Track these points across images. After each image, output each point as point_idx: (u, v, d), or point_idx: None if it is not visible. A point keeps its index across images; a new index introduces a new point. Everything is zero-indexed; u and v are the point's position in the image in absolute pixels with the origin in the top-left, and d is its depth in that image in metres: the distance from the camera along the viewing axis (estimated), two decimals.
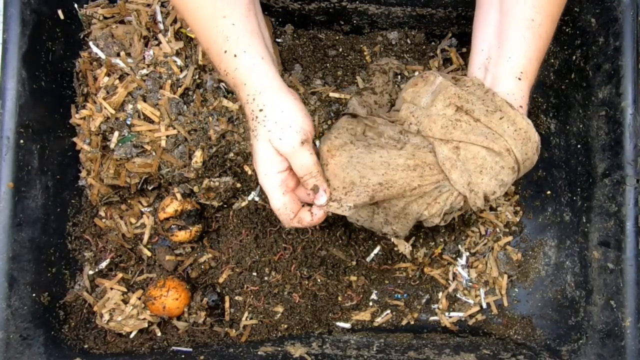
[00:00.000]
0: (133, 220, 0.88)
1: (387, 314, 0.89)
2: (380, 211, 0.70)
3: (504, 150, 0.65)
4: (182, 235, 0.85)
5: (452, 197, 0.67)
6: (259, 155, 0.65)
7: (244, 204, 0.88)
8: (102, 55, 0.85)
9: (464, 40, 0.94)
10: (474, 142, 0.65)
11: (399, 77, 0.90)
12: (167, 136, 0.83)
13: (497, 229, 0.91)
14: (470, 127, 0.65)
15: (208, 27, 0.64)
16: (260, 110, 0.63)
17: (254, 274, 0.87)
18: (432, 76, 0.70)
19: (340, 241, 0.88)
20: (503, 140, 0.65)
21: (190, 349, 0.84)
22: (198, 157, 0.83)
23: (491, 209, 0.92)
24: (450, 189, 0.67)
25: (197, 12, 0.64)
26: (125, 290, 0.85)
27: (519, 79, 0.67)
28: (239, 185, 0.87)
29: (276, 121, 0.63)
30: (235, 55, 0.63)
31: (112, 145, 0.83)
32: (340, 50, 0.93)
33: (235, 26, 0.63)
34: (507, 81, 0.68)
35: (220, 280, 0.87)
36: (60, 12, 0.83)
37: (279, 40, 0.92)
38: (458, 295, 0.90)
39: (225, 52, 0.64)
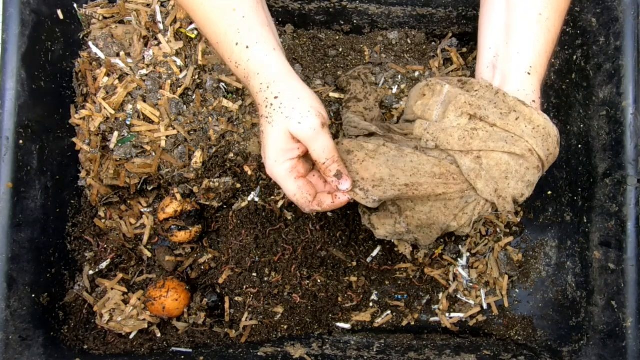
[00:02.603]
0: (133, 221, 0.88)
1: (388, 314, 0.89)
2: (402, 220, 0.69)
3: (526, 151, 0.64)
4: (181, 236, 0.85)
5: (480, 206, 0.67)
6: (270, 141, 0.64)
7: (243, 204, 0.88)
8: (101, 55, 0.85)
9: (465, 40, 0.93)
10: (495, 149, 0.63)
11: (374, 76, 0.90)
12: (167, 136, 0.83)
13: (498, 230, 0.91)
14: (487, 134, 0.64)
15: (218, 21, 0.64)
16: (276, 97, 0.63)
17: (254, 274, 0.87)
18: (439, 85, 0.68)
19: (340, 242, 0.88)
20: (523, 141, 0.64)
21: (190, 350, 0.84)
22: (198, 157, 0.83)
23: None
24: (476, 199, 0.66)
25: (205, 7, 0.64)
26: (126, 290, 0.85)
27: (529, 73, 0.66)
28: (238, 185, 0.87)
29: (293, 107, 0.62)
30: (247, 47, 0.63)
31: (111, 146, 0.83)
32: (341, 50, 0.93)
33: (246, 18, 0.63)
34: (517, 77, 0.67)
35: (220, 280, 0.87)
36: (59, 12, 0.83)
37: None
38: (458, 296, 0.90)
39: (237, 44, 0.64)
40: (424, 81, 0.73)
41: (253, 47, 0.63)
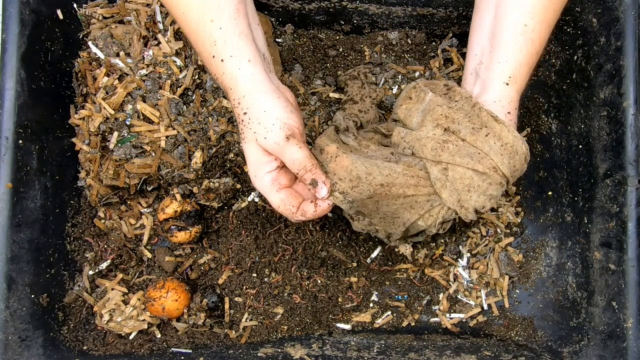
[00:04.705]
0: (132, 221, 0.88)
1: (388, 315, 0.89)
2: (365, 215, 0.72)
3: (489, 169, 0.67)
4: (181, 236, 0.84)
5: (444, 210, 0.70)
6: (248, 157, 0.65)
7: (243, 204, 0.87)
8: (101, 55, 0.84)
9: (465, 40, 0.93)
10: (460, 164, 0.67)
11: (373, 76, 0.90)
12: (167, 137, 0.83)
13: (498, 230, 0.91)
14: (456, 148, 0.67)
15: (197, 32, 0.63)
16: (245, 113, 0.63)
17: (254, 275, 0.87)
18: (423, 93, 0.72)
19: (340, 242, 0.88)
20: (489, 159, 0.67)
21: (190, 351, 0.83)
22: (198, 157, 0.83)
23: (492, 209, 0.91)
24: (441, 203, 0.69)
25: (185, 16, 0.63)
26: (126, 291, 0.85)
27: (507, 84, 0.67)
28: (238, 186, 0.86)
29: (259, 122, 0.62)
30: (222, 60, 0.63)
31: (111, 146, 0.83)
32: (341, 50, 0.93)
33: (223, 30, 0.62)
34: (495, 87, 0.68)
35: (220, 281, 0.87)
36: (59, 12, 0.83)
37: (279, 40, 0.92)
38: (459, 297, 0.90)
39: (214, 56, 0.63)
40: (413, 83, 0.74)
41: (227, 61, 0.63)
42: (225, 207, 0.89)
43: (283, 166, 0.66)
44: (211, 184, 0.83)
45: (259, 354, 0.81)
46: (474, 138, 0.67)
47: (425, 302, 0.90)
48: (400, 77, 0.91)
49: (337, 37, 0.93)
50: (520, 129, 0.90)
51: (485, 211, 0.70)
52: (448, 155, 0.67)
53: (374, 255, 0.89)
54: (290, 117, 0.63)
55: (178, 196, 0.84)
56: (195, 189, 0.84)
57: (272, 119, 0.62)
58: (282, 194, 0.66)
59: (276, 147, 0.62)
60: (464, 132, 0.67)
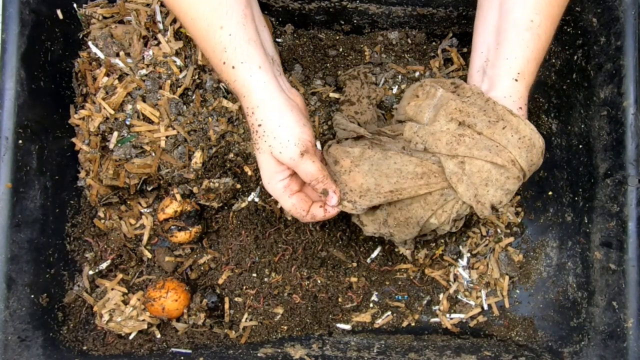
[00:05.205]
0: (132, 221, 0.88)
1: (388, 315, 0.89)
2: (384, 210, 0.72)
3: (507, 162, 0.66)
4: (181, 236, 0.84)
5: (458, 205, 0.69)
6: (262, 166, 0.67)
7: (243, 204, 0.87)
8: (101, 55, 0.84)
9: (465, 40, 0.93)
10: (478, 157, 0.66)
11: (373, 76, 0.90)
12: (167, 137, 0.83)
13: (499, 230, 0.91)
14: (473, 141, 0.66)
15: (207, 39, 0.64)
16: (260, 125, 0.65)
17: (254, 275, 0.87)
18: (433, 89, 0.71)
19: (340, 242, 0.88)
20: (507, 151, 0.66)
21: (190, 351, 0.83)
22: (198, 157, 0.83)
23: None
24: (455, 197, 0.69)
25: (194, 24, 0.64)
26: (126, 291, 0.85)
27: (516, 80, 0.67)
28: (238, 186, 0.86)
29: (275, 136, 0.64)
30: (233, 67, 0.63)
31: (111, 146, 0.83)
32: (341, 50, 0.93)
33: (232, 37, 0.63)
34: (504, 83, 0.68)
35: (220, 281, 0.87)
36: (59, 12, 0.83)
37: (279, 40, 0.92)
38: (459, 297, 0.90)
39: (224, 63, 0.64)
40: (418, 82, 0.74)
41: (238, 67, 0.63)
42: (225, 207, 0.88)
43: (294, 173, 0.68)
44: (211, 184, 0.83)
45: (259, 354, 0.81)
46: (490, 131, 0.66)
47: (425, 302, 0.89)
48: (400, 77, 0.91)
49: (337, 37, 0.93)
50: None
51: (501, 207, 0.69)
52: (465, 148, 0.66)
53: (374, 255, 0.89)
54: (303, 132, 0.65)
55: (178, 196, 0.84)
56: (195, 189, 0.84)
57: (287, 135, 0.64)
58: (293, 199, 0.68)
59: (291, 162, 0.65)
60: (480, 125, 0.66)
